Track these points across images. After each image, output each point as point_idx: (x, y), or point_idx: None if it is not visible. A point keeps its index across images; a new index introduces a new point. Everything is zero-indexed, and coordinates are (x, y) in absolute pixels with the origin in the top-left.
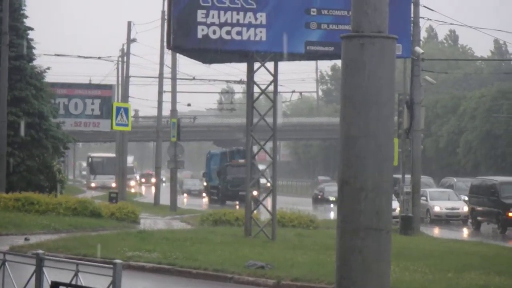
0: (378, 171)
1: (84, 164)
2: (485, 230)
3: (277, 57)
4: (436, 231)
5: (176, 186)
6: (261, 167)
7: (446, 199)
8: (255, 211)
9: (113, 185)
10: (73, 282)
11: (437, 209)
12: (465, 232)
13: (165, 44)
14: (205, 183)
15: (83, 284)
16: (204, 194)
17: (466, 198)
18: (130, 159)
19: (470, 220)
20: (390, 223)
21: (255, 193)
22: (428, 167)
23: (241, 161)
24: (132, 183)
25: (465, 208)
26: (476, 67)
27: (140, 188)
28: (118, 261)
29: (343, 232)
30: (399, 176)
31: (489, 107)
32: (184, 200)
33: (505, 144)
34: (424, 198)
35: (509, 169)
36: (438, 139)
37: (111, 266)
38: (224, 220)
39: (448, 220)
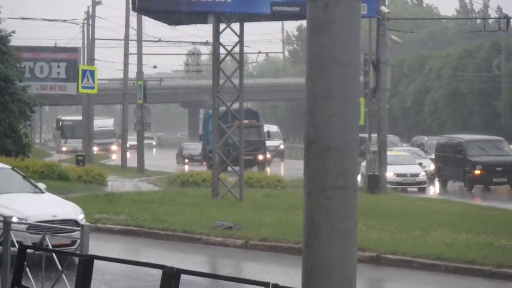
0: (344, 130)
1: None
2: (452, 188)
3: (242, 18)
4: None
5: (143, 148)
6: (272, 129)
7: (399, 163)
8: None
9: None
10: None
11: (389, 175)
12: (432, 190)
13: (130, 6)
14: (201, 147)
15: (51, 247)
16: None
17: (433, 156)
18: (110, 122)
19: (436, 179)
20: (356, 182)
21: (261, 157)
22: (395, 126)
23: (245, 121)
24: (114, 147)
25: (422, 174)
26: (442, 26)
27: (124, 153)
28: (85, 223)
29: (309, 192)
30: (366, 135)
31: (454, 66)
32: (185, 168)
33: (471, 103)
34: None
35: (475, 127)
36: (405, 99)
37: (79, 228)
38: (191, 182)
39: (404, 188)
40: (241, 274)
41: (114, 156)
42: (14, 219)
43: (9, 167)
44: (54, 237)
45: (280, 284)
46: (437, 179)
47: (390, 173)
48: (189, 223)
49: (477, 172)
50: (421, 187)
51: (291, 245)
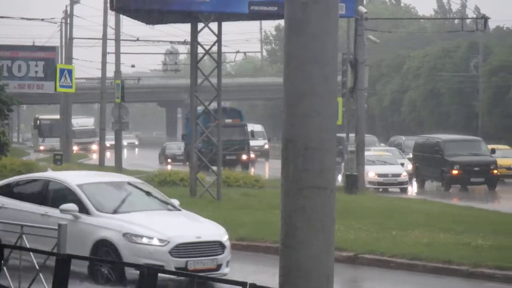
0: (322, 130)
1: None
2: (430, 187)
3: (221, 17)
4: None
5: (121, 147)
6: (256, 128)
7: (381, 163)
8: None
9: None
10: (18, 244)
11: (371, 175)
12: (410, 190)
13: (108, 5)
14: (184, 147)
15: (28, 246)
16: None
17: (411, 155)
18: (90, 121)
19: (414, 179)
20: (334, 182)
21: (244, 157)
22: (373, 126)
23: (228, 120)
24: (94, 147)
25: (404, 174)
26: (420, 26)
27: (102, 152)
28: (63, 222)
29: (287, 191)
30: (344, 135)
31: (432, 65)
32: (168, 167)
33: (448, 102)
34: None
35: (453, 127)
36: (382, 98)
37: (56, 228)
38: (169, 181)
39: (386, 188)
40: None
41: (94, 156)
42: (155, 241)
43: (139, 181)
44: (198, 261)
45: (258, 283)
46: (415, 179)
47: (372, 173)
48: None
49: (455, 172)
50: (403, 187)
51: (268, 244)
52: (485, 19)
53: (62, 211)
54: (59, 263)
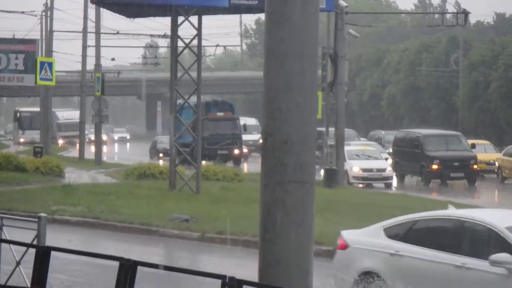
0: (301, 124)
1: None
2: (409, 182)
3: (201, 11)
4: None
5: (101, 140)
6: (249, 122)
7: (365, 158)
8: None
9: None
10: None
11: (355, 169)
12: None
13: None
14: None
15: (8, 238)
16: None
17: (391, 150)
18: (76, 114)
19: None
20: (313, 176)
21: (236, 151)
22: (352, 120)
23: (220, 114)
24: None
25: (389, 169)
26: (400, 21)
27: (82, 145)
28: (42, 214)
29: (266, 185)
30: (323, 129)
31: (412, 60)
32: (160, 162)
33: (428, 97)
34: None
35: (432, 122)
36: (362, 93)
37: (36, 220)
38: (148, 174)
39: (370, 183)
40: (197, 267)
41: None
42: None
43: None
44: None
45: (237, 277)
46: (394, 173)
47: (356, 168)
48: (146, 216)
49: (435, 166)
50: (387, 182)
51: (247, 238)
52: (466, 13)
53: (493, 263)
54: (39, 255)
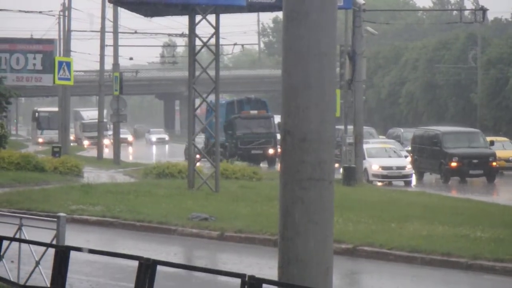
0: (320, 121)
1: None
2: (428, 180)
3: (218, 10)
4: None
5: (119, 139)
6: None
7: (385, 156)
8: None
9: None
10: (17, 236)
11: (375, 167)
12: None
13: None
14: (204, 140)
15: (27, 238)
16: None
17: (409, 147)
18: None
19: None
20: (332, 174)
21: (271, 151)
22: (370, 117)
23: (253, 112)
24: (106, 141)
25: (409, 167)
26: (418, 18)
27: (117, 148)
28: (61, 214)
29: (285, 183)
30: (342, 127)
31: (430, 57)
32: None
33: (447, 94)
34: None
35: (450, 119)
36: (380, 90)
37: (55, 219)
38: (167, 173)
39: (390, 181)
40: (216, 266)
41: (106, 151)
42: None
43: None
44: None
45: (256, 275)
46: (413, 171)
47: (375, 166)
48: (165, 215)
49: (454, 164)
50: (407, 180)
51: (266, 236)
52: (484, 10)
53: None
54: (58, 255)
